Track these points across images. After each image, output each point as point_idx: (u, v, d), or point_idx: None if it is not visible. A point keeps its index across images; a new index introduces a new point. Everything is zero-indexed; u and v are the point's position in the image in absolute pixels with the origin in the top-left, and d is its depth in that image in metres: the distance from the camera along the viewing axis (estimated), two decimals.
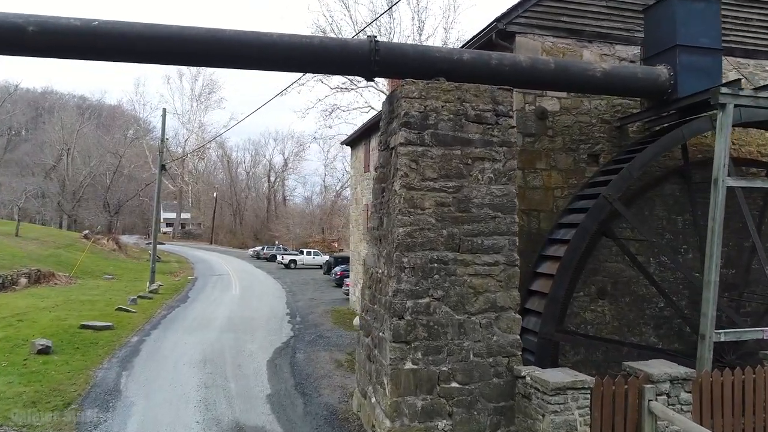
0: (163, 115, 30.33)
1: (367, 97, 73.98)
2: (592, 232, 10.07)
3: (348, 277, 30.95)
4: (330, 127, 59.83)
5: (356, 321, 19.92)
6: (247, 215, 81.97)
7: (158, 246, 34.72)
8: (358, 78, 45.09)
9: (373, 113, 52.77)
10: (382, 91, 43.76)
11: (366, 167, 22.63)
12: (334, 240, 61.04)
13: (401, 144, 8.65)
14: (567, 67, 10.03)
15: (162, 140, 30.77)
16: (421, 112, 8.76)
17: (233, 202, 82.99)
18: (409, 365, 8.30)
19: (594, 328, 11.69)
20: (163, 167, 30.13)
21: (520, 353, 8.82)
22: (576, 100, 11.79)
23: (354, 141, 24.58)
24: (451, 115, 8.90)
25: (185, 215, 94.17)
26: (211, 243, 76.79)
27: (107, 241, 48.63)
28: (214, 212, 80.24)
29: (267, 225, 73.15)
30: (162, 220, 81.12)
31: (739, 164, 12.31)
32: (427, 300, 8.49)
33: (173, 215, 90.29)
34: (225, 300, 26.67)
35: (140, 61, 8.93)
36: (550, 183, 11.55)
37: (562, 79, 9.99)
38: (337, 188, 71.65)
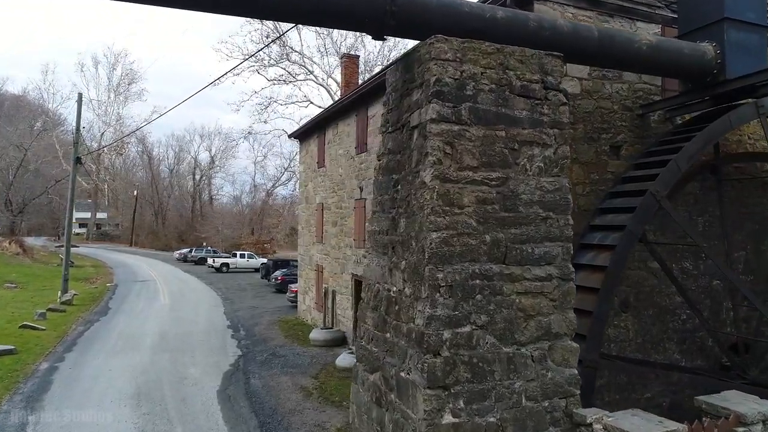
0: (79, 101, 26.21)
1: (305, 91, 70.83)
2: (640, 236, 8.27)
3: (293, 282, 28.22)
4: (265, 122, 56.14)
5: (314, 335, 17.39)
6: (170, 215, 76.16)
7: (71, 249, 30.28)
8: (297, 71, 42.33)
9: (312, 108, 49.98)
10: (322, 85, 41.33)
11: (321, 162, 20.09)
12: (266, 241, 57.47)
13: (433, 121, 6.38)
14: (612, 37, 8.14)
15: (77, 129, 26.59)
16: (456, 80, 6.52)
17: (155, 201, 76.88)
18: (448, 418, 6.03)
19: (617, 346, 9.93)
20: (78, 160, 26.01)
21: (578, 392, 6.80)
22: (597, 82, 10.00)
23: (305, 133, 21.94)
24: (493, 86, 6.73)
25: (101, 215, 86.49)
26: (131, 245, 70.55)
27: (9, 243, 42.68)
28: (134, 212, 73.92)
29: (193, 226, 68.05)
30: (74, 221, 73.95)
31: (757, 159, 11.06)
32: (468, 329, 6.27)
33: (88, 215, 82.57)
34: (153, 311, 23.15)
35: None
36: (572, 178, 9.65)
37: (606, 50, 8.08)
38: (268, 187, 67.95)
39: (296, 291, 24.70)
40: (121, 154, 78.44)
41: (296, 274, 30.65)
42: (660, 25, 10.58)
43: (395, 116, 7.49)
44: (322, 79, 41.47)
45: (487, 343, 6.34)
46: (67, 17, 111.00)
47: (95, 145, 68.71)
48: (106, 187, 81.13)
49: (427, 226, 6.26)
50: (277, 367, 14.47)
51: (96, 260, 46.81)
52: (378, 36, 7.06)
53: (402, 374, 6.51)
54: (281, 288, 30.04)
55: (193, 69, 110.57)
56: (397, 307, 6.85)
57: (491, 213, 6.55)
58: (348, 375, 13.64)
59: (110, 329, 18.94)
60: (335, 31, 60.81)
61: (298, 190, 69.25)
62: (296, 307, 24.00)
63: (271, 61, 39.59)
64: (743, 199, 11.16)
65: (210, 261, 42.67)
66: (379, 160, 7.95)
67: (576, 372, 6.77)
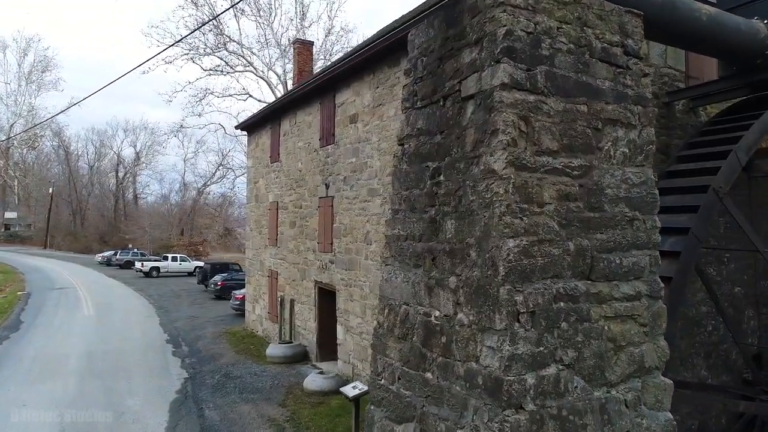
0: None
1: (244, 83, 66.94)
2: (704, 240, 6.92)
3: (236, 288, 25.63)
4: (200, 115, 52.07)
5: (271, 350, 15.18)
6: (90, 215, 70.04)
7: None
8: (235, 61, 39.35)
9: (251, 102, 47.02)
10: (262, 77, 38.69)
11: (274, 156, 17.84)
12: (199, 243, 53.66)
13: (504, 87, 4.62)
14: (674, 4, 6.71)
15: None
16: (529, 34, 4.80)
17: (72, 199, 70.48)
18: None
19: None
20: None
21: None
22: None
23: (255, 125, 19.55)
24: (571, 45, 5.07)
25: (10, 215, 78.36)
26: (45, 247, 64.06)
27: None
28: (50, 211, 67.22)
29: (116, 226, 62.68)
30: None
31: None
32: (553, 369, 4.57)
33: None
34: (76, 325, 19.95)
35: None
36: None
37: (667, 19, 6.65)
38: (200, 185, 63.73)
39: (241, 298, 22.23)
40: (34, 148, 71.37)
41: (239, 280, 28.10)
42: None
43: (429, 86, 5.67)
44: (262, 72, 38.79)
45: (576, 387, 4.67)
46: None
47: (2, 137, 61.88)
48: (16, 183, 73.59)
49: (499, 230, 4.49)
50: (234, 393, 12.22)
51: (4, 265, 41.52)
52: None
53: None
54: (221, 294, 27.33)
55: (120, 61, 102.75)
56: (443, 339, 5.04)
57: (575, 213, 4.89)
58: (321, 400, 11.65)
59: (23, 349, 15.83)
60: (276, 21, 58.01)
61: (232, 189, 65.55)
62: (242, 315, 21.54)
63: (207, 50, 36.49)
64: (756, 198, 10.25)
65: (138, 265, 38.78)
66: (401, 145, 6.09)
67: (671, 417, 5.24)
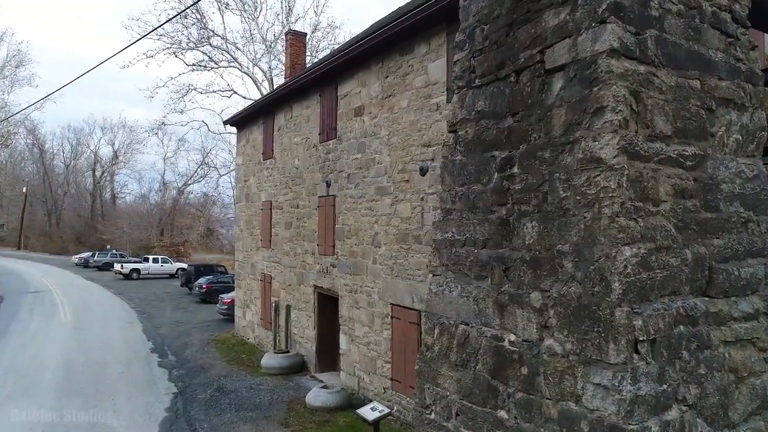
0: None
1: (228, 80, 65.01)
2: None
3: (222, 292, 24.34)
4: (182, 112, 50.20)
5: (267, 361, 14.00)
6: (66, 215, 67.51)
7: None
8: (219, 57, 37.86)
9: (236, 98, 45.44)
10: (247, 73, 37.28)
11: (268, 153, 16.63)
12: (180, 243, 51.86)
13: (613, 53, 3.60)
14: None
15: None
16: None
17: (48, 199, 67.84)
18: None
19: None
20: None
21: None
22: None
23: (245, 120, 18.28)
24: (681, 6, 4.09)
25: None
26: (19, 248, 61.37)
27: None
28: (23, 211, 64.55)
29: (93, 226, 60.42)
30: None
31: None
32: (676, 413, 3.56)
33: None
34: (52, 332, 18.45)
35: None
36: None
37: None
38: (180, 185, 61.75)
39: (229, 302, 20.94)
40: (7, 146, 68.31)
41: (225, 282, 26.77)
42: None
43: (493, 59, 4.63)
44: (247, 68, 37.37)
45: None
46: None
47: None
48: None
49: (610, 235, 3.48)
50: (230, 410, 11.03)
51: None
52: None
53: None
54: (206, 298, 25.97)
55: (98, 58, 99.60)
56: (523, 370, 4.00)
57: (691, 213, 3.90)
58: (326, 418, 10.53)
59: None
60: (261, 16, 56.50)
61: (216, 188, 63.59)
62: (230, 321, 20.25)
63: (190, 44, 34.95)
64: None
65: (117, 266, 37.00)
66: (454, 131, 5.04)
67: None
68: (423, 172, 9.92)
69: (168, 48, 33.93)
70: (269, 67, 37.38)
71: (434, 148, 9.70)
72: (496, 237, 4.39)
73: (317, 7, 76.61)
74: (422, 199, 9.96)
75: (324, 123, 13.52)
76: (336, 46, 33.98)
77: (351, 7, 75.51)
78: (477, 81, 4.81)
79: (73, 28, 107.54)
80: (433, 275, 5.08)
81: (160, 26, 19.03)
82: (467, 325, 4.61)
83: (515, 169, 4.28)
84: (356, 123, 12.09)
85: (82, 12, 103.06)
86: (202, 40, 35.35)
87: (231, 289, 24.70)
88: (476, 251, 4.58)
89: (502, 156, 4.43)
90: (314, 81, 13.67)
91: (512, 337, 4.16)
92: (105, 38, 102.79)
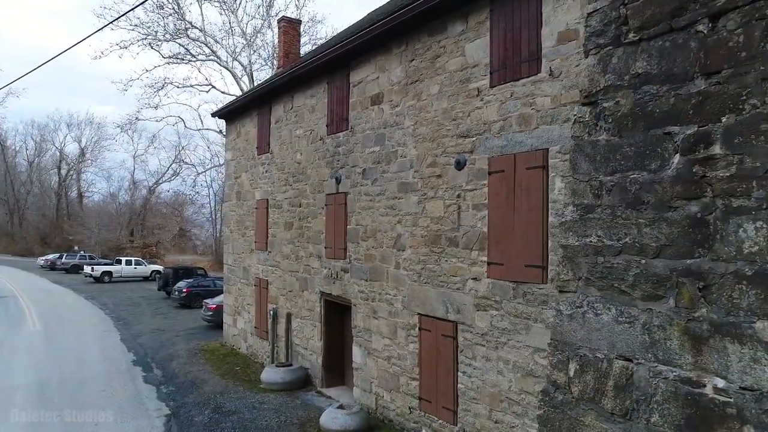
0: None
1: (206, 74, 62.33)
2: None
3: (203, 296, 22.68)
4: (156, 107, 47.66)
5: (268, 375, 12.50)
6: (29, 215, 63.96)
7: None
8: (197, 50, 35.90)
9: (214, 93, 43.27)
10: (226, 67, 35.42)
11: (263, 147, 15.12)
12: (152, 244, 49.44)
13: None
14: None
15: None
16: None
17: (10, 197, 64.10)
18: None
19: None
20: None
21: None
22: None
23: (235, 112, 16.69)
24: None
25: None
26: None
27: None
28: None
29: (59, 227, 57.28)
30: None
31: None
32: None
33: None
34: (19, 344, 16.53)
35: None
36: None
37: None
38: (151, 183, 59.03)
39: (215, 308, 19.32)
40: None
41: (206, 286, 25.07)
42: None
43: (660, 5, 3.41)
44: (226, 62, 35.51)
45: None
46: None
47: None
48: None
49: None
50: None
51: None
52: None
53: None
54: (187, 302, 24.19)
55: (77, 57, 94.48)
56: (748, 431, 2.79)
57: None
58: None
59: None
60: (240, 8, 54.24)
61: (191, 187, 61.02)
62: (216, 328, 18.63)
63: (167, 35, 32.96)
64: None
65: (87, 269, 34.65)
66: (592, 102, 3.81)
67: None
68: (460, 166, 8.68)
69: (143, 39, 31.89)
70: (249, 62, 35.65)
71: (474, 138, 8.47)
72: (683, 242, 3.17)
73: (299, 0, 74.45)
74: (459, 196, 8.71)
75: (333, 113, 12.14)
76: (319, 42, 32.52)
77: (330, 2, 73.75)
78: (632, 35, 3.58)
79: (44, 23, 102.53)
80: (562, 291, 3.84)
81: (131, 10, 17.34)
82: (629, 360, 3.37)
83: (716, 149, 3.07)
84: (373, 112, 10.77)
85: (54, 5, 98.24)
86: (180, 31, 33.41)
87: (213, 293, 23.06)
88: (644, 262, 3.35)
89: (688, 132, 3.21)
90: (321, 67, 12.27)
91: (719, 383, 2.95)
92: (77, 32, 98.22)
